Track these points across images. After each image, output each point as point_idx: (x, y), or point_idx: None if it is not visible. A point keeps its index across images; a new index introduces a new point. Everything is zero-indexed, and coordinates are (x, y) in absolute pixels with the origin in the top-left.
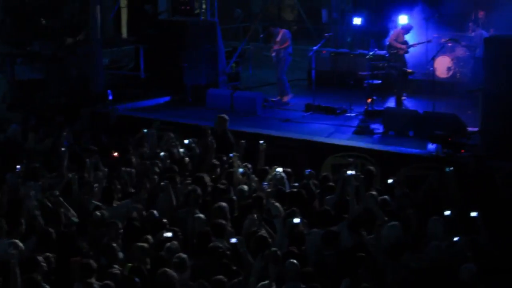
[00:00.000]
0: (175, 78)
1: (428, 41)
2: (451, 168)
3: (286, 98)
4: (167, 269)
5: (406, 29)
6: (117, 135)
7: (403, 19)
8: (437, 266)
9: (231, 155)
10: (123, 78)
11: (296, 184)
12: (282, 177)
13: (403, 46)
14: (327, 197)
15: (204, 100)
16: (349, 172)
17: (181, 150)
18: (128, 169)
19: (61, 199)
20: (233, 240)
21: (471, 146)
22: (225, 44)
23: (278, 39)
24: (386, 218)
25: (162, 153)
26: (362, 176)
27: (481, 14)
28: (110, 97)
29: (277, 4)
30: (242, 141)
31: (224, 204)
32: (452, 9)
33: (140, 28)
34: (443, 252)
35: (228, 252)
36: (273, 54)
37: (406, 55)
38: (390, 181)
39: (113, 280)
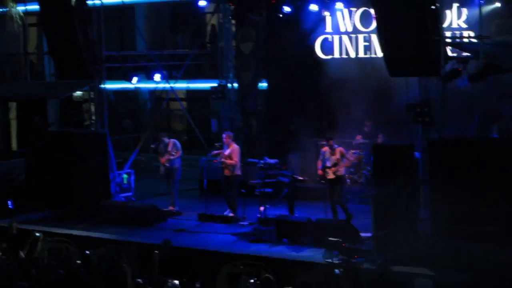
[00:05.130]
0: (66, 190)
1: None
2: (340, 270)
3: (175, 208)
4: None
5: None
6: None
7: None
8: None
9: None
10: (15, 190)
11: None
12: None
13: None
14: None
15: (97, 212)
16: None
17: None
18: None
19: None
20: None
21: (365, 251)
22: (116, 155)
23: (169, 149)
24: None
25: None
26: (260, 284)
27: (367, 124)
28: (11, 206)
29: (167, 114)
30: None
31: None
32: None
33: (30, 140)
34: None
35: None
36: (167, 164)
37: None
38: None
39: None
